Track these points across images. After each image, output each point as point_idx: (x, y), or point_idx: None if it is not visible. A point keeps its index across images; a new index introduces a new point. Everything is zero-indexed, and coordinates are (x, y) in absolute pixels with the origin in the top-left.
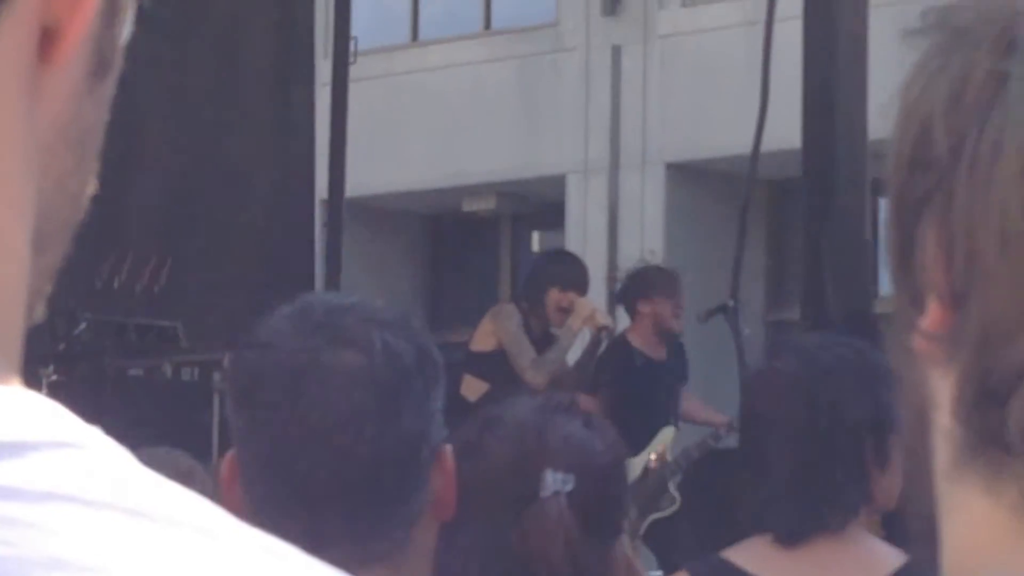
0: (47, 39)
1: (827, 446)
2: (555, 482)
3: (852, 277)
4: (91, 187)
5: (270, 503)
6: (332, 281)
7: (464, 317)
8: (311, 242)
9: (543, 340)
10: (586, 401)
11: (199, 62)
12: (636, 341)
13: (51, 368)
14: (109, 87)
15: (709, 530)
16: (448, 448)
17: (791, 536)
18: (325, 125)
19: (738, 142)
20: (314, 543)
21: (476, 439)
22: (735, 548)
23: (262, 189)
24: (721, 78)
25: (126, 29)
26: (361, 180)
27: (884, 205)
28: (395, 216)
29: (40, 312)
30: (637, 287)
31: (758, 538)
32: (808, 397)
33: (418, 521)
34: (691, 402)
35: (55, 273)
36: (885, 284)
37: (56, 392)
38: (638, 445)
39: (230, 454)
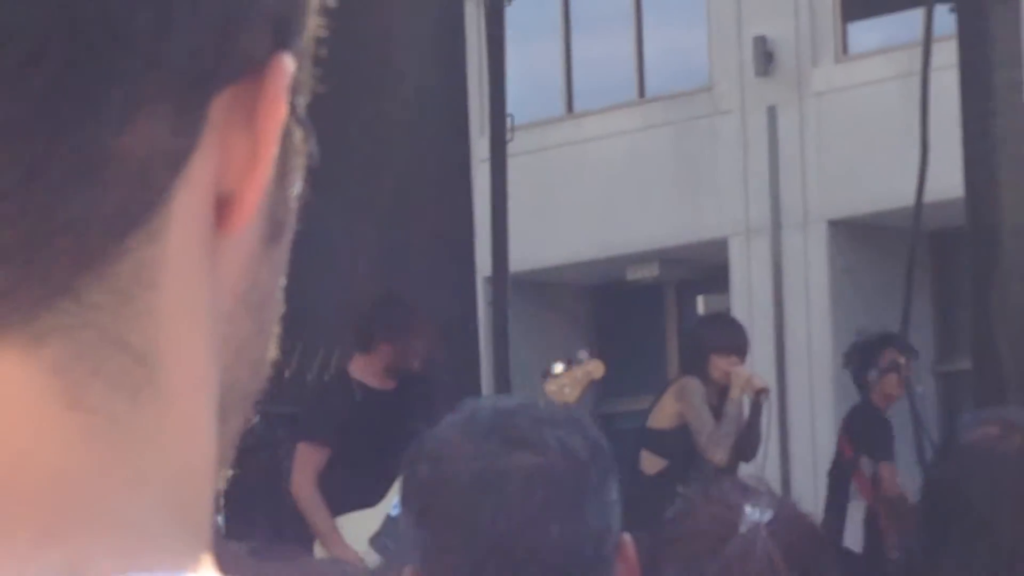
0: (223, 207)
1: None
2: (753, 514)
3: (1023, 324)
4: (271, 352)
5: None
6: (500, 359)
7: (632, 386)
8: (475, 321)
9: (720, 407)
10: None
11: (351, 144)
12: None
13: None
14: (285, 249)
15: None
16: (628, 537)
17: None
18: (484, 202)
19: (900, 195)
20: None
21: (682, 509)
22: None
23: (423, 271)
24: (879, 132)
25: (297, 189)
26: (522, 255)
27: None
28: (558, 289)
29: (224, 479)
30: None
31: None
32: None
33: None
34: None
35: (238, 437)
36: None
37: (233, 486)
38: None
39: (410, 569)
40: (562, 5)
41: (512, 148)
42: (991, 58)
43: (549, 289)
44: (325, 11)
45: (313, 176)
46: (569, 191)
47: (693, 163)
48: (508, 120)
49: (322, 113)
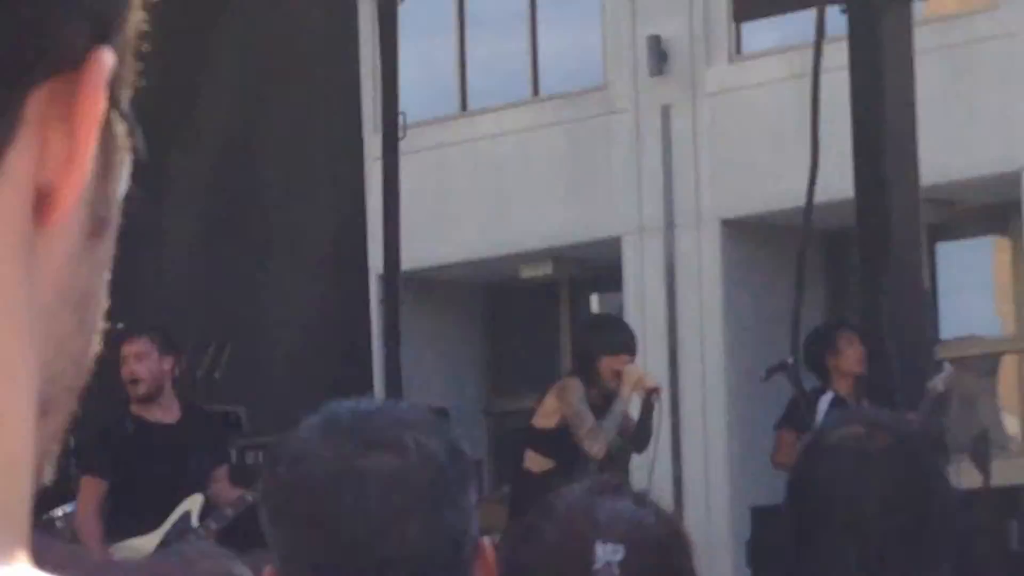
0: (42, 201)
1: None
2: (605, 553)
3: (912, 325)
4: (94, 348)
5: None
6: (391, 357)
7: (526, 385)
8: (367, 319)
9: (606, 408)
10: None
11: (243, 140)
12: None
13: None
14: (108, 245)
15: None
16: (486, 541)
17: None
18: (377, 200)
19: (792, 195)
20: None
21: (532, 525)
22: None
23: (316, 269)
24: (771, 132)
25: (122, 186)
26: (416, 253)
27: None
28: (452, 287)
29: (49, 473)
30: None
31: None
32: None
33: None
34: None
35: (62, 433)
36: (945, 330)
37: None
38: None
39: (269, 569)
40: (456, 3)
41: (406, 146)
42: (882, 59)
43: (442, 287)
44: (153, 6)
45: (204, 174)
46: (463, 189)
47: (587, 162)
48: (401, 118)
49: (213, 108)
